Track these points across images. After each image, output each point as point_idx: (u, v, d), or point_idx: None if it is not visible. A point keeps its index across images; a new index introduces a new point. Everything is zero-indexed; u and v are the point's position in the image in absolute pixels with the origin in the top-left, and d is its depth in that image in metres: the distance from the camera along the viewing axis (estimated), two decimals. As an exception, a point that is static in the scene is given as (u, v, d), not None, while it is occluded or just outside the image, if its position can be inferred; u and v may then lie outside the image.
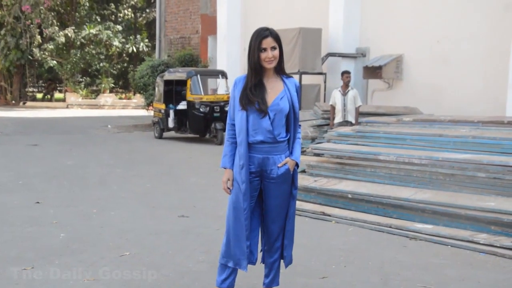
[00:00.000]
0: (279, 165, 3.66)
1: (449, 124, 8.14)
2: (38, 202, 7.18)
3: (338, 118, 10.18)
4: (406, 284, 4.47)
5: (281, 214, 3.75)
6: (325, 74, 13.76)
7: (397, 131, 8.13)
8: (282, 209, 3.75)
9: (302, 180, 7.45)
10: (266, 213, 3.78)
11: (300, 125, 3.85)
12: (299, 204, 7.03)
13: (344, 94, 10.13)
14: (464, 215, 5.78)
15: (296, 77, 13.58)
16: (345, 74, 10.35)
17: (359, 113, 10.15)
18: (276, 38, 3.61)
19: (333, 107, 10.29)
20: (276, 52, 3.60)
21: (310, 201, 7.12)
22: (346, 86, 10.23)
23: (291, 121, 3.70)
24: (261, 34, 3.59)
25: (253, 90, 3.61)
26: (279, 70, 3.71)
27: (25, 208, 6.88)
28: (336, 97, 10.25)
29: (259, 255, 3.93)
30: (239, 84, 3.68)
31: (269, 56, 3.58)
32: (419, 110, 10.88)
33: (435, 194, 6.32)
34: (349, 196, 6.77)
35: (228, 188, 3.71)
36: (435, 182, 6.61)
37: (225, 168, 3.74)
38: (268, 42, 3.58)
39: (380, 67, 12.43)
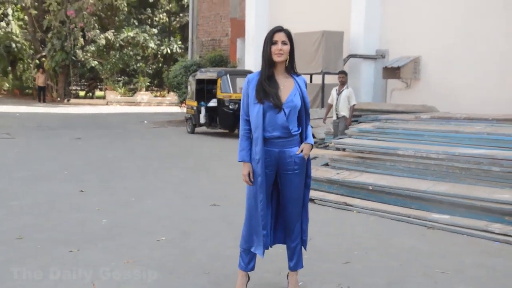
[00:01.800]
0: (297, 152, 3.65)
1: (464, 121, 8.01)
2: (82, 191, 7.28)
3: (333, 116, 10.08)
4: (424, 270, 4.42)
5: (298, 203, 3.75)
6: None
7: (415, 128, 8.04)
8: (299, 198, 3.75)
9: (326, 173, 7.43)
10: (284, 203, 3.76)
11: (309, 119, 3.82)
12: (322, 195, 7.04)
13: (339, 93, 10.00)
14: (479, 206, 5.69)
15: (319, 77, 13.60)
16: (340, 74, 10.22)
17: (353, 111, 9.93)
18: (288, 35, 3.62)
19: (330, 105, 10.22)
20: (286, 47, 3.59)
21: (333, 192, 7.08)
22: (341, 85, 10.06)
23: (303, 115, 3.70)
24: (274, 29, 3.63)
25: (268, 81, 3.60)
26: (290, 68, 3.70)
27: (71, 196, 6.98)
28: (332, 96, 10.15)
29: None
30: (252, 82, 3.65)
31: (278, 48, 3.57)
32: (436, 108, 10.71)
33: (452, 186, 6.23)
34: (370, 188, 6.71)
35: (250, 181, 3.69)
36: (452, 175, 6.52)
37: (243, 162, 3.70)
38: (280, 36, 3.59)
39: (398, 68, 12.29)
